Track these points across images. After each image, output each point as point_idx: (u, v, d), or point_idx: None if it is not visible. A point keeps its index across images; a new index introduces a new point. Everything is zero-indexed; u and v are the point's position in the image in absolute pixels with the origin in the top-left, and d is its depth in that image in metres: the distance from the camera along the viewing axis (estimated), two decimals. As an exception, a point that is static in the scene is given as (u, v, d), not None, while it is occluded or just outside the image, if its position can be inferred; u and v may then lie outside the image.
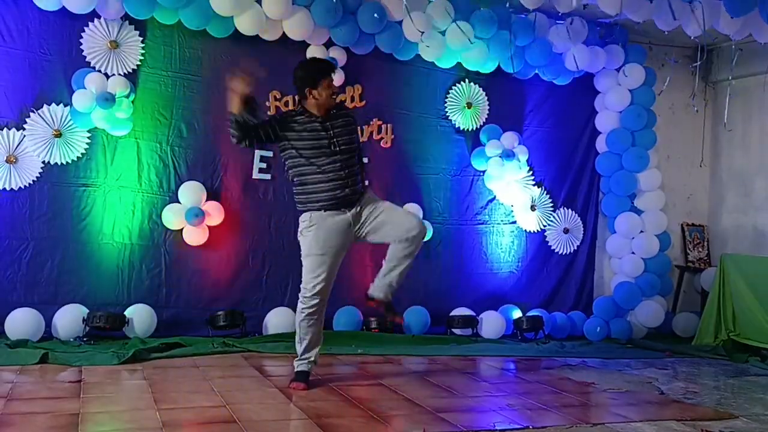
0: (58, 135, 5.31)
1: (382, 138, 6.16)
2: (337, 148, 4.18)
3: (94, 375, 4.27)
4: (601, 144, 6.83)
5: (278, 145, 4.26)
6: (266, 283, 5.87)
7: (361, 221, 4.23)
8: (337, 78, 4.25)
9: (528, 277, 6.72)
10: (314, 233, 4.16)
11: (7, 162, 5.21)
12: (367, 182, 4.47)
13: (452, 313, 6.24)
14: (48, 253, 5.32)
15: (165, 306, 5.56)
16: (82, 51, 5.34)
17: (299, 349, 4.29)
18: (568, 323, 6.59)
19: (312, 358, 4.31)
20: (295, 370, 4.29)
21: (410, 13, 5.47)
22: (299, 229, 4.25)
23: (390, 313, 4.43)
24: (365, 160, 6.02)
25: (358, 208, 4.22)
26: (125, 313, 5.33)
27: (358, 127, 4.47)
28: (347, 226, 4.19)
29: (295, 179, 4.26)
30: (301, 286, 4.22)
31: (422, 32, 5.58)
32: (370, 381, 4.58)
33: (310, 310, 4.19)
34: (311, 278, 4.16)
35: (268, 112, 5.86)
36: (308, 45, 5.76)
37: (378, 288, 4.32)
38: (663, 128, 6.94)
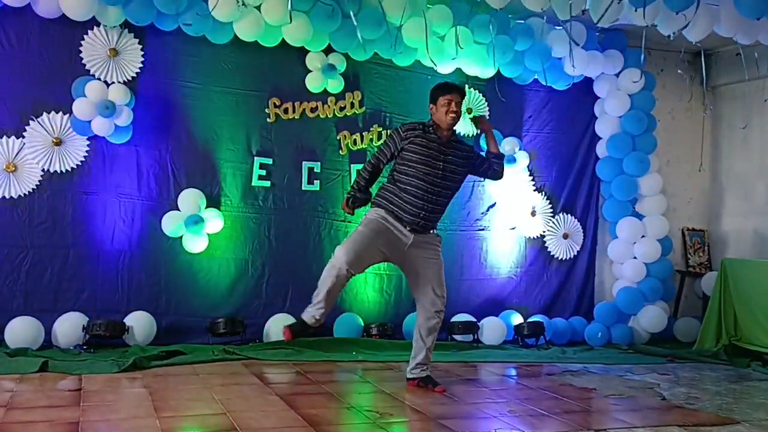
0: (58, 143, 5.31)
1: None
2: (441, 177, 4.36)
3: (93, 383, 4.26)
4: (601, 149, 6.83)
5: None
6: (266, 290, 5.87)
7: (414, 251, 4.37)
8: (458, 98, 4.39)
9: (528, 282, 6.72)
10: (376, 219, 4.34)
11: (6, 170, 5.21)
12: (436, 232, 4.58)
13: (453, 319, 6.23)
14: (48, 261, 5.32)
15: (165, 313, 5.56)
16: (82, 59, 5.35)
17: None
18: (569, 329, 6.58)
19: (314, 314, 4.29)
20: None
21: (409, 18, 5.48)
22: (366, 215, 4.44)
23: (431, 384, 4.49)
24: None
25: (421, 240, 4.38)
26: (125, 320, 5.32)
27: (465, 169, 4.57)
28: (402, 243, 4.34)
29: (392, 177, 4.44)
30: (338, 247, 4.28)
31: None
32: (370, 387, 4.57)
33: (331, 272, 4.23)
34: (350, 246, 4.24)
35: (268, 120, 5.87)
36: (307, 51, 5.78)
37: (415, 371, 4.52)
38: (663, 133, 6.94)
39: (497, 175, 4.69)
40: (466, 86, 6.41)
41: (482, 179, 6.41)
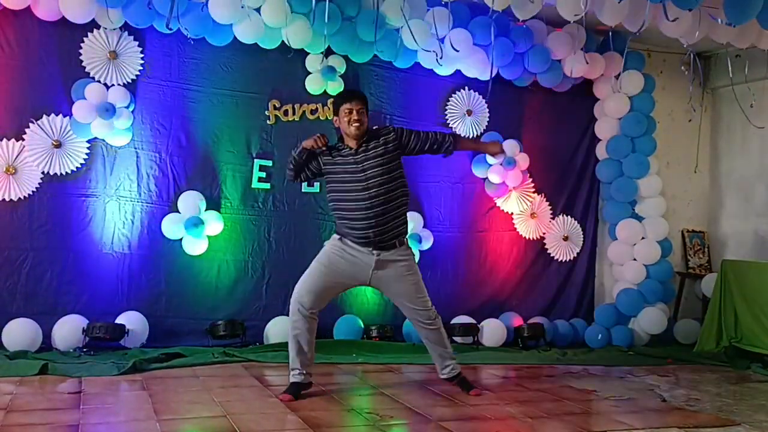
0: (58, 145, 5.31)
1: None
2: (369, 184, 4.19)
3: (93, 386, 4.26)
4: (601, 150, 6.84)
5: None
6: (266, 293, 5.86)
7: (381, 273, 4.24)
8: (358, 105, 4.23)
9: (528, 284, 6.72)
10: (333, 247, 4.23)
11: (6, 173, 5.21)
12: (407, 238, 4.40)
13: (453, 321, 6.22)
14: (47, 264, 5.31)
15: (165, 316, 5.55)
16: (82, 61, 5.35)
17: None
18: (569, 331, 6.58)
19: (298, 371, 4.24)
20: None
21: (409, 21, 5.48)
22: (325, 243, 4.34)
23: (466, 387, 4.48)
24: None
25: (388, 257, 4.23)
26: (125, 323, 5.31)
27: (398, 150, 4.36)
28: (367, 265, 4.21)
29: (330, 203, 4.35)
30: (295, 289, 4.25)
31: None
32: (370, 390, 4.57)
33: (293, 318, 4.23)
34: (305, 286, 4.21)
35: (268, 122, 5.88)
36: (307, 53, 5.78)
37: (445, 371, 4.50)
38: (662, 134, 6.94)
39: (447, 152, 4.47)
40: (466, 88, 6.44)
41: (481, 181, 6.47)
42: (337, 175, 4.24)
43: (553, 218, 6.79)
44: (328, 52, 5.81)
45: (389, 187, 4.22)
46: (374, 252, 4.20)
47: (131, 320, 5.35)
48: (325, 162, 4.29)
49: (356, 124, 4.20)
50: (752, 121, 6.42)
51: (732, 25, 5.16)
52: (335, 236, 4.29)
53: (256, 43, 5.54)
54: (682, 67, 6.46)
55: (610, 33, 6.03)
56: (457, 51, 5.73)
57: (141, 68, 5.50)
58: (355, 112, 4.21)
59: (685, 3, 4.84)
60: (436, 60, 5.73)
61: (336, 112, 4.31)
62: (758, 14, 4.98)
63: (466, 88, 6.43)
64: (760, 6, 4.91)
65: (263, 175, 5.85)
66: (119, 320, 5.32)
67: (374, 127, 4.44)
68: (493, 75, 5.95)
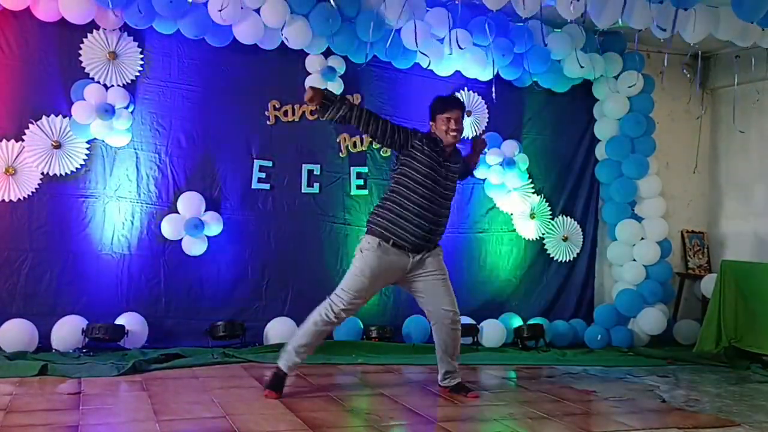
0: (58, 146, 5.31)
1: (381, 147, 6.16)
2: (444, 188, 4.24)
3: (93, 387, 4.25)
4: (600, 151, 6.84)
5: (402, 156, 4.24)
6: (266, 293, 5.86)
7: (416, 272, 4.24)
8: (457, 114, 4.23)
9: (528, 285, 6.72)
10: (373, 257, 4.16)
11: (6, 173, 5.20)
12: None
13: (452, 322, 6.22)
14: (47, 265, 5.31)
15: (164, 317, 5.55)
16: (81, 62, 5.35)
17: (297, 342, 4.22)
18: (568, 331, 6.58)
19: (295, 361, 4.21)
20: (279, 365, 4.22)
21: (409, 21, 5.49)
22: (361, 246, 4.24)
23: (463, 391, 4.44)
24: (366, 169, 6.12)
25: (422, 257, 4.23)
26: (124, 324, 5.31)
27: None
28: (402, 269, 4.21)
29: (392, 196, 4.23)
30: (334, 293, 4.20)
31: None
32: (370, 391, 4.57)
33: (326, 318, 4.18)
34: (349, 297, 4.16)
35: (268, 122, 5.88)
36: (307, 54, 5.78)
37: (445, 381, 4.47)
38: (662, 135, 6.94)
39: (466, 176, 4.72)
40: (465, 89, 6.44)
41: (481, 182, 6.48)
42: (424, 170, 4.16)
43: (552, 219, 6.79)
44: (328, 53, 5.81)
45: (453, 195, 4.38)
46: (412, 255, 4.20)
47: (132, 321, 5.35)
48: (415, 146, 4.17)
49: (454, 134, 4.21)
50: (752, 121, 6.43)
51: (753, 22, 5.12)
52: (374, 240, 4.18)
53: (255, 44, 5.55)
54: (684, 71, 6.47)
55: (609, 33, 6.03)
56: (462, 48, 5.74)
57: (141, 69, 5.50)
58: (453, 121, 4.20)
59: (682, 2, 4.84)
60: (428, 64, 5.75)
61: (432, 118, 4.27)
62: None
63: (466, 88, 6.44)
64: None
65: (263, 175, 5.85)
66: (119, 322, 5.31)
67: None
68: (493, 75, 5.97)
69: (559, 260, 6.82)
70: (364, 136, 6.06)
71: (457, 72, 6.21)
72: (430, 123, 4.30)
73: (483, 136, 5.63)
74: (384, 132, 4.15)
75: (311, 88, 4.10)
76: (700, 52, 6.10)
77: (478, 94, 6.48)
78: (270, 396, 4.11)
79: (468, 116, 6.43)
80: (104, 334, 5.17)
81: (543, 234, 6.75)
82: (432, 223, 4.19)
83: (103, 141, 5.40)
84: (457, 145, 4.39)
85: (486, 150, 5.19)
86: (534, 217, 6.68)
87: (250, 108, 5.83)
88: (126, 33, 5.43)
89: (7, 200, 5.22)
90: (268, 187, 5.88)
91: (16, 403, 3.83)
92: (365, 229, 4.32)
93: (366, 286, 4.18)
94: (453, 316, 4.32)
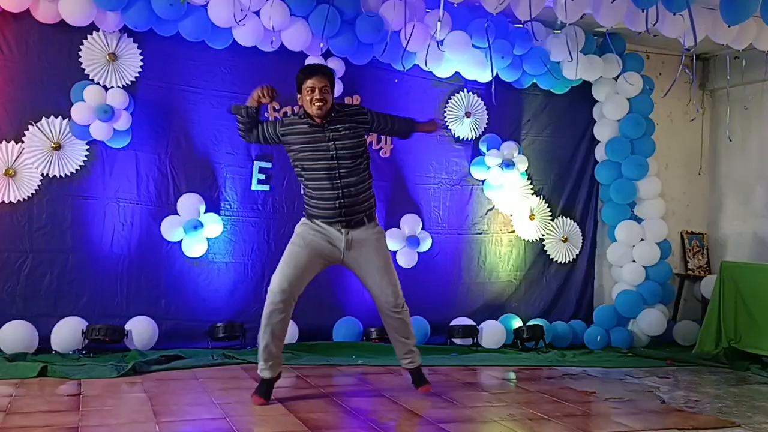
0: (57, 148, 5.31)
1: (381, 148, 6.17)
2: (338, 158, 4.08)
3: (93, 388, 4.26)
4: (600, 152, 6.84)
5: (285, 146, 4.22)
6: (265, 295, 5.82)
7: (354, 252, 4.15)
8: (317, 81, 4.02)
9: (527, 286, 6.72)
10: (303, 228, 4.17)
11: (5, 175, 5.21)
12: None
13: (452, 323, 6.23)
14: (47, 266, 5.31)
15: (164, 318, 5.55)
16: (81, 63, 5.35)
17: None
18: (568, 332, 6.58)
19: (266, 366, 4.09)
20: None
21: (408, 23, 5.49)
22: (295, 229, 4.24)
23: (419, 382, 4.41)
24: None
25: (358, 237, 4.14)
26: (124, 325, 5.31)
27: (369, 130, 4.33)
28: (336, 244, 4.13)
29: (300, 180, 4.26)
30: (271, 279, 4.11)
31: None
32: (370, 392, 4.57)
33: (272, 309, 4.03)
34: (285, 271, 4.07)
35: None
36: (306, 56, 5.78)
37: (406, 358, 4.40)
38: (661, 136, 6.95)
39: (405, 136, 4.53)
40: (465, 90, 6.45)
41: (480, 183, 6.48)
42: (304, 148, 4.08)
43: (552, 220, 6.79)
44: (327, 55, 5.82)
45: (356, 162, 4.13)
46: (344, 230, 4.11)
47: (137, 324, 5.35)
48: (283, 133, 4.14)
49: (318, 104, 4.01)
50: (751, 122, 6.44)
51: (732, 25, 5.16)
52: (303, 219, 4.21)
53: (255, 46, 5.55)
54: (687, 70, 6.47)
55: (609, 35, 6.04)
56: (444, 51, 5.74)
57: (140, 70, 5.51)
58: (317, 90, 4.01)
59: (674, 6, 4.85)
60: (425, 62, 5.75)
61: (299, 90, 4.09)
62: (756, 11, 4.97)
63: (465, 90, 6.44)
64: (757, 6, 4.91)
65: (263, 177, 5.85)
66: (127, 326, 5.33)
67: (338, 104, 4.26)
68: (492, 77, 5.97)
69: (558, 261, 6.82)
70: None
71: (457, 73, 6.21)
72: (298, 96, 4.14)
73: (440, 123, 5.28)
74: (257, 136, 4.23)
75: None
76: (694, 55, 6.12)
77: (478, 96, 6.48)
78: (256, 401, 4.02)
79: (467, 117, 6.44)
80: (104, 335, 5.17)
81: (543, 235, 6.76)
82: (343, 191, 4.07)
83: (103, 142, 5.40)
84: (348, 107, 4.29)
85: (433, 131, 4.89)
86: (533, 218, 6.68)
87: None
88: (126, 34, 5.43)
89: (6, 202, 5.22)
90: (268, 189, 5.88)
91: (16, 405, 3.83)
92: None
93: (300, 255, 4.07)
94: (395, 299, 4.20)
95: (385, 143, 6.19)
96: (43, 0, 5.05)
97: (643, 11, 5.00)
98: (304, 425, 3.64)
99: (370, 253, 4.18)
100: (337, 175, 4.08)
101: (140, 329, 5.35)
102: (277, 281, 4.07)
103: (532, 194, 6.72)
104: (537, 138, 6.75)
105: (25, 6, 5.05)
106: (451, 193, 6.46)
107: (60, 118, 5.32)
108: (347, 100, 6.02)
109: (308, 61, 5.78)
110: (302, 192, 4.27)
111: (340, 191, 4.09)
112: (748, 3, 4.88)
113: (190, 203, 5.55)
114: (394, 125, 4.38)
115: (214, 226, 5.61)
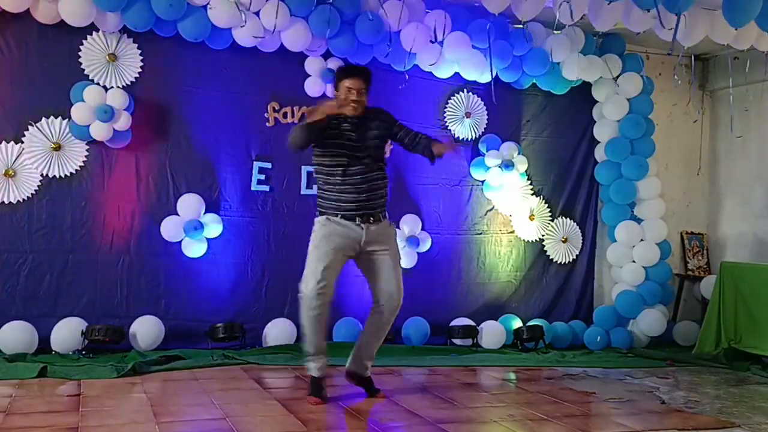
0: (57, 148, 5.31)
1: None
2: (367, 155, 4.16)
3: (93, 388, 4.25)
4: (600, 153, 6.84)
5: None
6: (265, 295, 5.86)
7: (369, 248, 4.18)
8: (357, 83, 4.09)
9: (527, 286, 6.72)
10: (324, 227, 4.14)
11: (5, 175, 5.20)
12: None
13: (452, 324, 6.23)
14: (47, 267, 5.31)
15: (164, 318, 5.54)
16: (81, 64, 5.35)
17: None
18: (568, 333, 6.58)
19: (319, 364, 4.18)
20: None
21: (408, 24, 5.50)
22: (313, 230, 4.20)
23: (371, 390, 4.36)
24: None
25: (375, 232, 4.17)
26: (124, 326, 5.31)
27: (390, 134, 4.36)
28: (357, 239, 4.14)
29: (319, 174, 4.24)
30: (302, 279, 4.10)
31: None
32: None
33: (312, 302, 4.04)
34: (315, 267, 4.05)
35: (267, 124, 5.88)
36: (306, 56, 5.79)
37: (355, 364, 4.34)
38: (661, 137, 6.95)
39: (426, 155, 4.43)
40: (464, 90, 6.45)
41: (480, 183, 6.48)
42: (336, 143, 4.12)
43: (552, 220, 6.79)
44: (327, 55, 5.82)
45: (379, 164, 4.24)
46: (363, 225, 4.13)
47: (144, 324, 5.36)
48: (321, 127, 4.12)
49: (354, 104, 4.12)
50: (751, 122, 6.44)
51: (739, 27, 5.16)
52: (321, 218, 4.18)
53: (255, 46, 5.55)
54: (685, 71, 6.48)
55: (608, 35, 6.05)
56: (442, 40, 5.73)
57: (140, 70, 5.50)
58: (355, 92, 4.11)
59: (675, 7, 4.86)
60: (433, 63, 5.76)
61: (336, 86, 4.20)
62: (757, 17, 4.98)
63: (465, 90, 6.44)
64: (759, 7, 4.91)
65: (263, 177, 5.85)
66: (133, 326, 5.34)
67: (370, 107, 4.31)
68: (492, 77, 5.98)
69: (558, 262, 6.82)
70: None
71: (456, 74, 6.21)
72: (334, 91, 4.23)
73: (457, 144, 5.39)
74: (294, 138, 4.15)
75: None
76: (693, 55, 6.12)
77: (478, 96, 6.48)
78: (314, 402, 4.05)
79: (467, 117, 6.44)
80: (104, 335, 5.17)
81: (542, 235, 6.76)
82: (366, 186, 4.13)
83: (103, 143, 5.39)
84: (379, 110, 4.31)
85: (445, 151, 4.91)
86: (533, 219, 6.68)
87: (250, 110, 5.84)
88: (126, 35, 5.43)
89: (6, 202, 5.22)
90: (268, 189, 5.88)
91: (15, 405, 3.83)
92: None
93: (327, 251, 4.08)
94: (397, 300, 4.24)
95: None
96: (43, 0, 5.05)
97: (647, 11, 4.99)
98: (303, 425, 3.64)
99: (385, 248, 4.23)
100: (365, 169, 4.15)
101: (140, 330, 5.34)
102: (311, 275, 4.06)
103: (532, 195, 6.72)
104: (537, 138, 6.75)
105: (25, 6, 5.05)
106: (450, 194, 6.46)
107: (60, 118, 5.31)
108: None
109: (308, 62, 5.80)
110: (319, 189, 4.25)
111: (366, 185, 4.15)
112: (751, 5, 4.88)
113: (189, 203, 5.55)
114: (414, 138, 4.36)
115: (213, 226, 5.61)
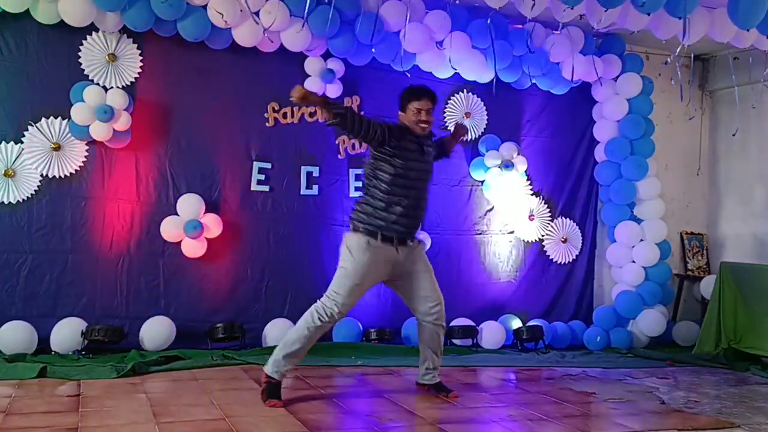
0: (57, 148, 5.31)
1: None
2: (424, 173, 4.25)
3: (92, 389, 4.25)
4: (599, 153, 6.84)
5: (376, 151, 4.16)
6: (265, 295, 5.86)
7: (404, 268, 4.23)
8: (425, 104, 4.18)
9: (527, 286, 6.72)
10: (363, 256, 4.10)
11: (5, 175, 5.20)
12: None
13: (452, 324, 6.22)
14: (46, 267, 5.31)
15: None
16: (81, 64, 5.35)
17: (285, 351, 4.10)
18: (568, 333, 6.58)
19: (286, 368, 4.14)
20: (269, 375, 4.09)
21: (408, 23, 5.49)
22: (348, 245, 4.15)
23: (443, 392, 4.42)
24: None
25: (408, 252, 4.22)
26: (124, 326, 5.31)
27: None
28: (392, 263, 4.19)
29: (373, 190, 4.17)
30: (326, 295, 4.11)
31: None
32: (370, 392, 4.57)
33: (319, 322, 4.07)
34: (343, 298, 4.07)
35: (267, 124, 5.88)
36: (306, 56, 5.79)
37: (430, 377, 4.45)
38: (661, 137, 6.95)
39: (447, 155, 4.73)
40: (464, 90, 6.45)
41: (479, 183, 6.49)
42: (400, 161, 4.11)
43: (551, 220, 6.80)
44: (327, 55, 5.82)
45: (430, 182, 4.36)
46: (399, 248, 4.17)
47: (156, 323, 5.37)
48: (391, 140, 4.10)
49: (424, 125, 4.20)
50: (751, 122, 6.44)
51: (748, 29, 5.15)
52: (362, 238, 4.11)
53: (255, 46, 5.55)
54: (681, 70, 6.47)
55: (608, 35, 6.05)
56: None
57: (140, 71, 5.50)
58: (424, 112, 4.18)
59: (678, 10, 4.86)
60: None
61: (403, 108, 4.23)
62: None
63: (465, 90, 6.44)
64: (766, 8, 4.90)
65: (262, 177, 5.85)
66: (144, 326, 5.35)
67: None
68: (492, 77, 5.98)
69: (558, 262, 6.83)
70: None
71: (456, 74, 6.21)
72: (400, 113, 4.26)
73: (463, 122, 5.58)
74: (367, 131, 4.05)
75: (301, 89, 4.06)
76: (692, 54, 6.12)
77: (477, 96, 6.48)
78: (274, 405, 3.98)
79: (467, 118, 6.44)
80: (104, 336, 5.17)
81: (542, 236, 6.76)
82: (414, 210, 4.18)
83: (103, 143, 5.39)
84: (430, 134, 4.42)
85: (465, 137, 5.22)
86: (533, 219, 6.68)
87: (250, 110, 5.84)
88: (126, 35, 5.43)
89: (6, 202, 5.22)
90: (268, 189, 5.88)
91: (15, 406, 3.82)
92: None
93: (358, 285, 4.12)
94: (440, 311, 4.32)
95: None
96: (43, 0, 5.05)
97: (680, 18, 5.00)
98: (303, 426, 3.64)
99: (421, 263, 4.31)
100: (418, 190, 4.21)
101: (158, 329, 5.36)
102: (337, 298, 4.07)
103: (532, 195, 6.72)
104: (536, 139, 6.75)
105: (25, 6, 5.05)
106: (450, 194, 6.45)
107: (60, 118, 5.31)
108: (346, 101, 6.02)
109: (308, 62, 5.79)
110: (368, 195, 4.19)
111: (419, 206, 4.23)
112: (758, 6, 4.87)
113: (189, 203, 5.55)
114: (437, 148, 4.53)
115: (213, 226, 5.61)
